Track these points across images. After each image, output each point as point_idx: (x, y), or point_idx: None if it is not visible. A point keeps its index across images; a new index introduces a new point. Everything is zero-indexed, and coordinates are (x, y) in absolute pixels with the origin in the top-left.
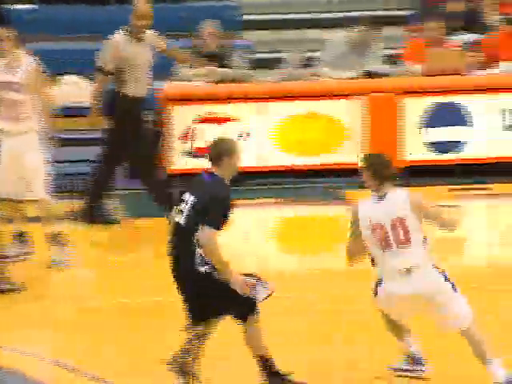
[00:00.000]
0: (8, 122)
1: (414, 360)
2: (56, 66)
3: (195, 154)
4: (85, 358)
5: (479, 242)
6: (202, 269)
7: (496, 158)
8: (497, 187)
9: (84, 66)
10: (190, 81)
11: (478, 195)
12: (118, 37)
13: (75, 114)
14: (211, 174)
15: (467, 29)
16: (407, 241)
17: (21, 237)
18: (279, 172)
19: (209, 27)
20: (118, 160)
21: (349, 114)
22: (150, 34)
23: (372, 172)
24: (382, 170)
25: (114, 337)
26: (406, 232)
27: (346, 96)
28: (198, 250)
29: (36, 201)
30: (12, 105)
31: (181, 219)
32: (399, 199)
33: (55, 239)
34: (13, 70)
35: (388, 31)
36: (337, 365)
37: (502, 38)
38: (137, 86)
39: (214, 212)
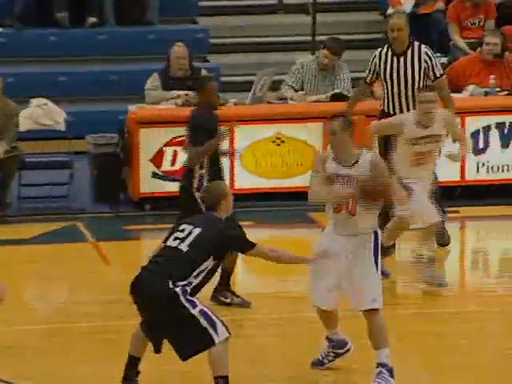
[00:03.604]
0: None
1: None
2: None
3: (164, 177)
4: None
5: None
6: (177, 289)
7: (466, 181)
8: (464, 210)
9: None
10: (158, 103)
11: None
12: (380, 50)
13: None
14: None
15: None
16: None
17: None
18: (249, 195)
19: (178, 50)
20: None
21: (317, 136)
22: (420, 51)
23: None
24: None
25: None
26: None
27: (313, 119)
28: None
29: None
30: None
31: (180, 245)
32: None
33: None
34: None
35: (357, 55)
36: None
37: (468, 62)
38: (394, 103)
39: (238, 238)
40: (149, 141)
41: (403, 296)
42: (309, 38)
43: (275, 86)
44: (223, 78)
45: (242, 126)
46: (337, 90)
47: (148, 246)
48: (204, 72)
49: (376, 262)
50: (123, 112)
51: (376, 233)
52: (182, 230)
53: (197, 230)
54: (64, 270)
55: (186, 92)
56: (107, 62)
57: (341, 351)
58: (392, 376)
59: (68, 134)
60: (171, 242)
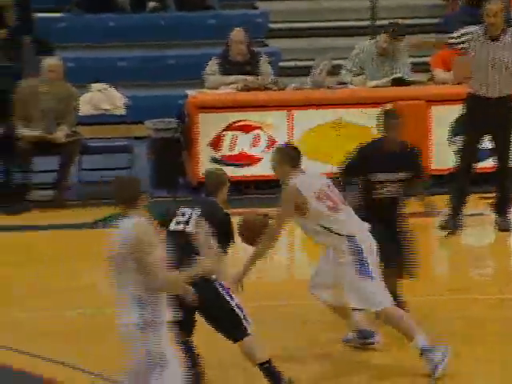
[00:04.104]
0: None
1: (363, 333)
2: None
3: (223, 162)
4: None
5: None
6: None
7: None
8: None
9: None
10: (217, 88)
11: None
12: (476, 30)
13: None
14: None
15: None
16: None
17: None
18: None
19: (237, 35)
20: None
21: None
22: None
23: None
24: None
25: None
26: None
27: (373, 104)
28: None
29: None
30: None
31: (187, 228)
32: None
33: None
34: None
35: (418, 39)
36: None
37: None
38: (484, 85)
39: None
40: (208, 125)
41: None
42: (369, 23)
43: (335, 70)
44: (282, 63)
45: (302, 111)
46: (398, 75)
47: None
48: (264, 57)
49: (361, 267)
50: (183, 97)
51: (350, 237)
52: (183, 214)
53: (197, 212)
54: None
55: (245, 77)
56: (167, 46)
57: (367, 341)
58: (432, 351)
59: (128, 118)
60: (175, 226)
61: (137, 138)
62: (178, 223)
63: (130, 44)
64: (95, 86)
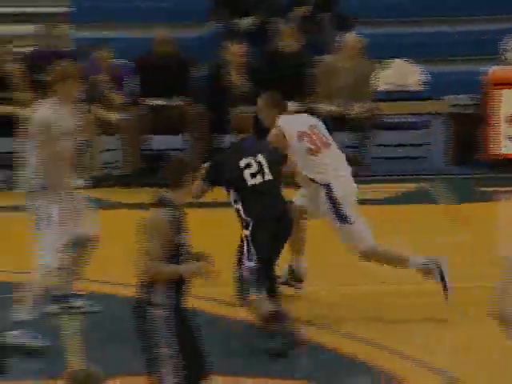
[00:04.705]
0: None
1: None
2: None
3: None
4: None
5: None
6: None
7: None
8: None
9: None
10: None
11: None
12: None
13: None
14: (249, 137)
15: None
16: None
17: None
18: None
19: None
20: None
21: None
22: None
23: None
24: None
25: None
26: None
27: None
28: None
29: None
30: None
31: (266, 176)
32: None
33: None
34: None
35: None
36: None
37: None
38: None
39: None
40: (509, 101)
41: None
42: None
43: None
44: None
45: None
46: None
47: (499, 208)
48: None
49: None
50: (480, 73)
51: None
52: (250, 165)
53: (263, 158)
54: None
55: None
56: (463, 22)
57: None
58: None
59: (425, 94)
60: (253, 180)
61: (434, 114)
62: (253, 176)
63: (424, 20)
64: (395, 62)
